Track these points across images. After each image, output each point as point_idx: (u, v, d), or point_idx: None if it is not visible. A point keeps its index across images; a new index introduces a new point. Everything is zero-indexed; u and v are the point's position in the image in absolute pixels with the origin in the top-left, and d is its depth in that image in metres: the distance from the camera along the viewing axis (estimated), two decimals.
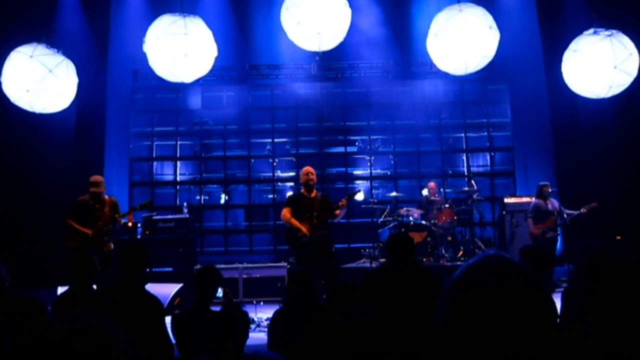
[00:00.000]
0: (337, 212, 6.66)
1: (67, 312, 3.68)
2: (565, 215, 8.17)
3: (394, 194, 9.82)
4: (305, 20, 7.82)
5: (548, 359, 0.94)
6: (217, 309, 3.74)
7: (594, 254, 1.94)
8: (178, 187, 11.05)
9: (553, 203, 8.24)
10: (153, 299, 3.82)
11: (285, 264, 8.24)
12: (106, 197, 6.74)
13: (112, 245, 6.65)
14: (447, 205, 9.12)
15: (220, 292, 5.76)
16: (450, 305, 0.99)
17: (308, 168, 6.88)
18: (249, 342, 2.76)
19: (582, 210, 8.11)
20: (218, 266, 7.30)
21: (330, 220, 6.75)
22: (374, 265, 8.37)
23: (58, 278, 6.90)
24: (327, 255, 6.55)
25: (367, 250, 9.20)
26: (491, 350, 0.93)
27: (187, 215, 9.15)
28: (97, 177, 6.82)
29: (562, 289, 5.70)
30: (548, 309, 0.97)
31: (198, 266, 6.79)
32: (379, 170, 11.08)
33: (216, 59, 8.39)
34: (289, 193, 9.59)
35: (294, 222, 6.57)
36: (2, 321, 2.24)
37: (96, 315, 1.08)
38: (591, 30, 8.14)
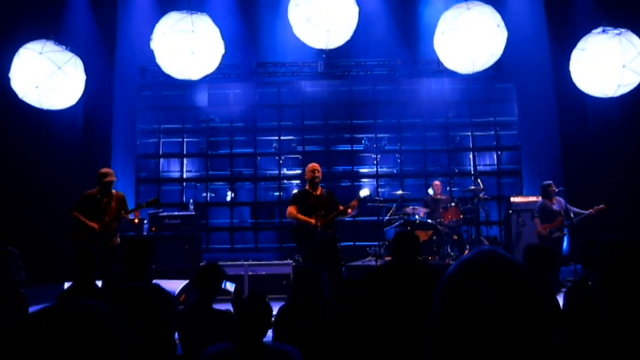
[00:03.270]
0: (349, 211, 6.66)
1: None
2: (572, 215, 8.13)
3: (400, 192, 9.81)
4: (315, 18, 7.81)
5: (543, 354, 0.94)
6: (222, 306, 3.76)
7: (610, 249, 1.94)
8: (184, 184, 11.08)
9: (560, 202, 8.21)
10: (165, 295, 3.79)
11: (291, 261, 8.25)
12: (113, 191, 6.80)
13: (118, 240, 6.70)
14: (453, 204, 9.10)
15: (231, 288, 5.78)
16: (444, 301, 0.99)
17: (314, 165, 6.85)
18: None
19: (590, 211, 8.07)
20: (224, 263, 7.36)
21: (339, 218, 6.75)
22: (379, 263, 8.36)
23: (66, 273, 6.94)
24: (333, 254, 6.55)
25: (373, 248, 9.19)
26: (486, 347, 0.93)
27: (193, 213, 9.18)
28: (109, 169, 6.91)
29: (566, 289, 5.67)
30: (543, 305, 0.96)
31: (204, 263, 6.81)
32: (385, 169, 11.06)
33: (223, 56, 8.40)
34: (295, 191, 9.59)
35: (301, 217, 6.56)
36: None
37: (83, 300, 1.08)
38: (600, 29, 8.08)
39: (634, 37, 7.93)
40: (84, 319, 1.02)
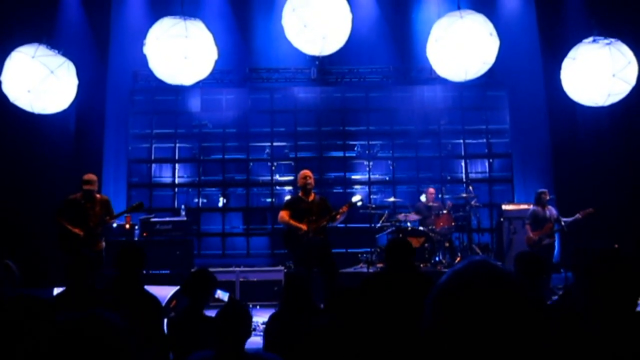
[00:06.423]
0: (337, 217, 6.67)
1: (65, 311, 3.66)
2: (562, 223, 8.18)
3: (392, 199, 9.82)
4: (312, 23, 7.81)
5: None
6: (213, 312, 3.73)
7: (596, 259, 1.95)
8: (176, 189, 11.03)
9: (551, 210, 8.27)
10: (152, 298, 3.81)
11: (283, 267, 8.23)
12: (97, 195, 6.73)
13: (103, 244, 6.65)
14: (445, 211, 9.12)
15: (223, 296, 5.74)
16: (435, 310, 0.98)
17: (306, 171, 6.89)
18: (245, 345, 2.76)
19: (577, 215, 8.14)
20: (215, 269, 7.33)
21: (329, 224, 6.75)
22: (371, 270, 8.36)
23: (55, 278, 6.89)
24: (326, 258, 6.55)
25: (365, 255, 9.20)
26: (477, 356, 0.93)
27: (185, 218, 9.14)
28: (91, 176, 6.79)
29: (557, 297, 5.69)
30: (535, 315, 0.96)
31: (195, 269, 6.78)
32: (377, 175, 11.08)
33: (216, 61, 8.41)
34: (287, 197, 9.59)
35: (292, 222, 6.57)
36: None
37: (100, 310, 1.06)
38: (590, 39, 8.17)
39: (623, 46, 8.02)
40: (106, 336, 0.99)
